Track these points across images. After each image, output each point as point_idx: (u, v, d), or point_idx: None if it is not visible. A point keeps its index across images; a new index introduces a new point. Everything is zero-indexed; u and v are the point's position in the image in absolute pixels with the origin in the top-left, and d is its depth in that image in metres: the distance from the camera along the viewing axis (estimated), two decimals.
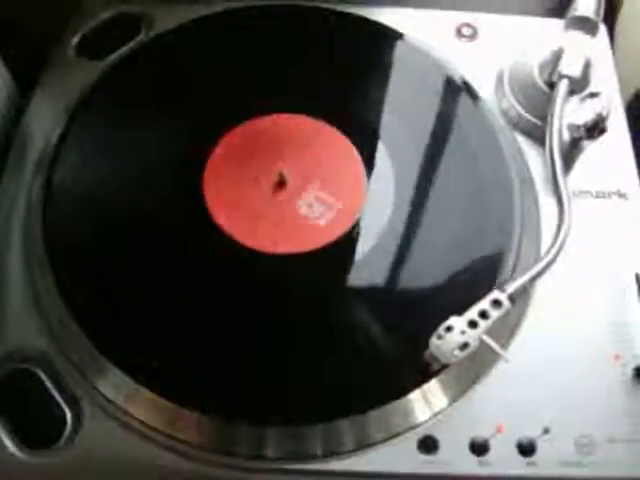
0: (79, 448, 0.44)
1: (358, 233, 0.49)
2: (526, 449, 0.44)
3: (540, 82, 0.52)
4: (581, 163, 0.53)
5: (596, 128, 0.49)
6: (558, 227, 0.46)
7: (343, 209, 0.50)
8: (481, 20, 0.60)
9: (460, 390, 0.45)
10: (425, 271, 0.48)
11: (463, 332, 0.42)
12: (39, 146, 0.53)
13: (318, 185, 0.51)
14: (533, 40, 0.55)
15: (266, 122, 0.54)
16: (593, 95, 0.51)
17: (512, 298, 0.43)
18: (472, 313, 0.42)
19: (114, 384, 0.45)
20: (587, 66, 0.51)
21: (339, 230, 0.49)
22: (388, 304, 0.47)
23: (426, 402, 0.44)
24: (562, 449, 0.44)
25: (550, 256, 0.44)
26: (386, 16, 0.59)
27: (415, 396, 0.44)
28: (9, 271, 0.49)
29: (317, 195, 0.50)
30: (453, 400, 0.45)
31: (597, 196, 0.52)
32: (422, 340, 0.42)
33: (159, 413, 0.44)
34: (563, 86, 0.50)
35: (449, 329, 0.42)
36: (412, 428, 0.44)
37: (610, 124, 0.50)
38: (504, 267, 0.47)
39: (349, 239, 0.49)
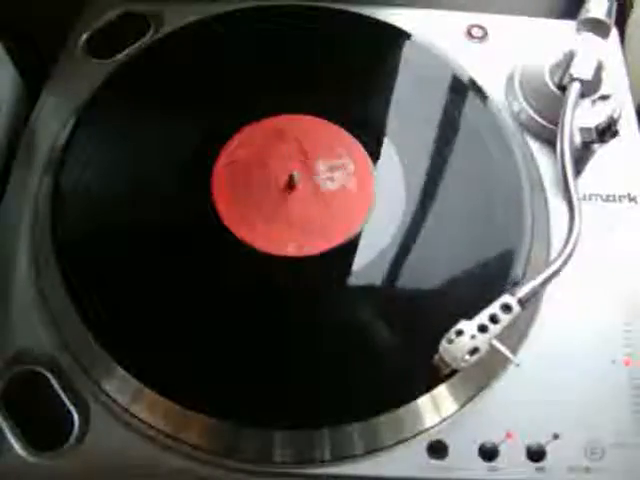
0: (86, 450, 0.44)
1: (366, 238, 0.49)
2: (535, 455, 0.44)
3: (551, 84, 0.52)
4: (591, 166, 0.52)
5: (608, 131, 0.49)
6: (569, 231, 0.45)
7: (358, 166, 0.51)
8: (491, 21, 0.60)
9: (470, 395, 0.45)
10: (435, 275, 0.48)
11: (473, 336, 0.41)
12: (47, 146, 0.53)
13: (321, 161, 0.51)
14: (544, 42, 0.55)
15: (274, 122, 0.53)
16: (604, 98, 0.50)
17: (522, 302, 0.43)
18: (482, 317, 0.42)
19: (121, 386, 0.45)
20: (599, 69, 0.51)
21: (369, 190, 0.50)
22: (398, 307, 0.47)
23: (435, 407, 0.44)
24: (572, 455, 0.44)
25: (561, 260, 0.44)
26: (396, 17, 0.59)
27: (424, 401, 0.44)
28: (17, 272, 0.49)
29: (329, 167, 0.51)
30: (463, 405, 0.45)
31: (607, 199, 0.52)
32: (432, 344, 0.42)
33: (166, 416, 0.44)
34: (574, 89, 0.50)
35: (459, 333, 0.42)
36: (421, 433, 0.44)
37: (621, 127, 0.50)
38: (514, 271, 0.47)
39: (355, 244, 0.49)
